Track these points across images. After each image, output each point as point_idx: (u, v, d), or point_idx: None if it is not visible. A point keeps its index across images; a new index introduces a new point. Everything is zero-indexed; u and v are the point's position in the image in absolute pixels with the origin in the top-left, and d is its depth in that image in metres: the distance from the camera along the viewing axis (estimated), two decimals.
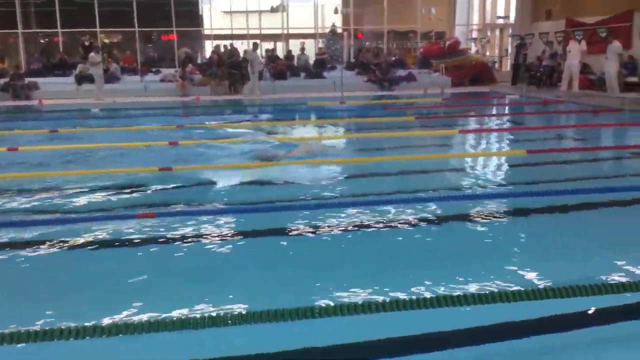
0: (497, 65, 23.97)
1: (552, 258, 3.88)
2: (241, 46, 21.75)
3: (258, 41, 20.55)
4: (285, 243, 4.23)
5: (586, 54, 15.79)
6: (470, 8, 27.04)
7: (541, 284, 3.30)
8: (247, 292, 3.31)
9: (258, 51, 19.17)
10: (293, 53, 21.78)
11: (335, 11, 25.33)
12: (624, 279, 3.33)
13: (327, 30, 24.64)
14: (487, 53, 25.13)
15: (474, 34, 26.87)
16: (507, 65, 23.64)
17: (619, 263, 3.63)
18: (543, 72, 17.95)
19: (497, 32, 26.18)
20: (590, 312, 2.90)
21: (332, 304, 2.85)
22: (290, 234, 4.37)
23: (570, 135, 9.28)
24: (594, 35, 17.12)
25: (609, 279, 3.35)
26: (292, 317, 2.56)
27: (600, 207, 4.91)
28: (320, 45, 23.56)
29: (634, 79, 15.04)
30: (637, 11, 15.75)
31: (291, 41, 24.62)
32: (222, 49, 20.90)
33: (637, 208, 5.00)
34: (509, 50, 23.63)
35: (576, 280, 2.92)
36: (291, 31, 24.92)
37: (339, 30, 24.89)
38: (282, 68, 19.65)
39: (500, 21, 25.24)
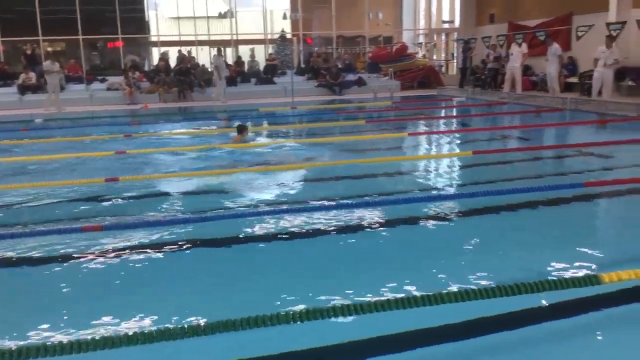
0: (444, 69, 24.50)
1: (500, 256, 3.98)
2: (189, 52, 21.49)
3: (222, 47, 20.47)
4: (238, 251, 4.19)
5: (527, 57, 16.33)
6: (417, 13, 27.55)
7: (488, 283, 3.37)
8: (200, 302, 3.27)
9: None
10: (243, 59, 21.67)
11: (284, 17, 25.33)
12: (570, 274, 3.45)
13: (277, 36, 24.64)
14: (434, 57, 25.64)
15: (421, 39, 27.37)
16: (454, 68, 24.20)
17: (564, 258, 3.75)
18: (488, 74, 18.47)
19: (443, 36, 26.77)
20: (540, 307, 3.01)
21: (284, 311, 2.84)
22: (242, 241, 4.33)
23: (514, 136, 9.57)
24: (535, 38, 17.74)
25: (556, 275, 3.46)
26: (243, 326, 2.54)
27: (543, 205, 5.07)
28: (270, 51, 23.54)
29: (573, 80, 15.66)
30: (575, 14, 16.41)
31: (240, 47, 24.50)
32: (181, 54, 20.59)
33: (579, 205, 5.19)
34: (455, 54, 24.18)
35: (524, 277, 3.00)
36: (240, 37, 24.80)
37: (289, 36, 24.91)
38: (232, 74, 19.51)
39: (446, 25, 25.81)
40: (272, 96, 17.95)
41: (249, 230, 4.55)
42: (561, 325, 2.88)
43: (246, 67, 21.28)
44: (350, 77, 20.31)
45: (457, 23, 24.07)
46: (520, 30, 18.52)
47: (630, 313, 3.01)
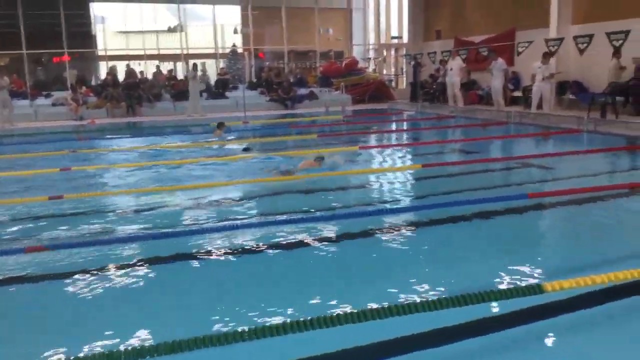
0: (394, 83, 24.94)
1: (447, 268, 4.04)
2: (138, 67, 21.16)
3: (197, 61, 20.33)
4: (187, 268, 4.12)
5: (465, 71, 16.80)
6: (366, 28, 28.01)
7: (437, 295, 3.43)
8: (148, 323, 3.19)
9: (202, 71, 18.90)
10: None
11: (235, 31, 25.28)
12: (515, 284, 3.54)
13: (228, 50, 24.56)
14: (384, 71, 26.08)
15: (371, 53, 27.81)
16: (404, 83, 24.67)
17: (510, 268, 3.86)
18: (436, 89, 18.90)
19: (393, 51, 27.26)
20: (495, 316, 3.09)
21: (239, 329, 2.81)
22: (193, 258, 4.26)
23: (462, 149, 9.80)
24: (480, 53, 18.29)
25: (507, 283, 3.55)
26: (190, 347, 2.50)
27: (490, 216, 5.20)
28: (222, 65, 23.43)
29: (518, 94, 16.20)
30: (518, 30, 17.02)
31: (191, 61, 24.29)
32: (129, 68, 20.24)
33: (524, 215, 5.35)
34: (404, 69, 24.66)
35: (476, 287, 3.07)
36: (191, 51, 24.59)
37: (240, 50, 24.87)
38: (182, 89, 19.31)
39: (395, 41, 26.31)
40: (224, 110, 17.86)
41: (199, 247, 4.48)
42: (507, 335, 2.95)
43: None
44: (302, 91, 20.43)
45: (405, 38, 24.58)
46: (466, 46, 19.07)
47: (572, 321, 3.10)
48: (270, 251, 4.39)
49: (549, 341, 2.94)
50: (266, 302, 3.39)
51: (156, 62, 23.69)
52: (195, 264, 4.17)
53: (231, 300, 3.49)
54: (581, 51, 14.04)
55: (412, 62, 20.25)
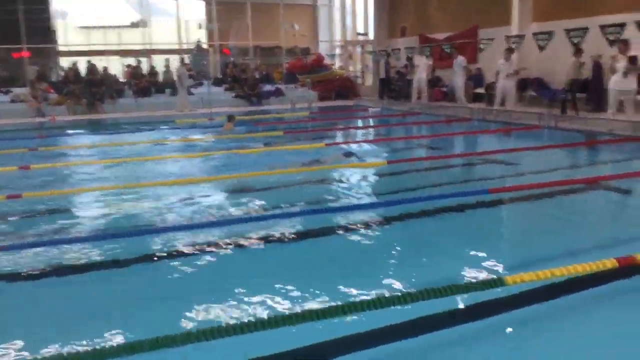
0: (360, 80, 25.02)
1: (411, 263, 4.09)
2: (100, 63, 20.72)
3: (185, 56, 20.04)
4: (148, 269, 4.05)
5: (431, 68, 17.00)
6: (332, 25, 28.03)
7: (401, 289, 3.46)
8: (105, 324, 3.13)
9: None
10: (157, 69, 21.18)
11: (200, 27, 25.01)
12: (477, 277, 3.60)
13: (192, 46, 24.27)
14: (350, 68, 26.15)
15: (337, 50, 27.84)
16: (370, 79, 24.78)
17: (472, 262, 3.92)
18: (401, 85, 19.04)
19: (359, 48, 27.35)
20: (458, 310, 3.13)
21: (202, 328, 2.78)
22: (154, 259, 4.20)
23: (426, 145, 9.90)
24: (445, 51, 18.50)
25: (469, 277, 3.60)
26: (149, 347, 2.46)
27: (453, 211, 5.26)
28: (186, 61, 23.14)
29: (481, 90, 16.44)
30: (481, 27, 17.27)
31: (155, 57, 23.93)
32: (90, 64, 19.78)
33: (485, 210, 5.43)
34: (370, 66, 24.76)
35: (438, 281, 3.10)
36: (154, 47, 24.21)
37: (205, 46, 24.61)
38: (145, 85, 19.00)
39: (361, 38, 26.40)
40: (189, 107, 17.62)
41: (158, 247, 4.42)
42: (468, 328, 2.99)
43: (161, 77, 20.81)
44: (268, 87, 20.33)
45: (371, 35, 24.68)
46: (430, 43, 19.26)
47: (532, 313, 3.16)
48: (224, 250, 4.34)
49: (510, 333, 2.99)
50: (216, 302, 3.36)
51: (118, 58, 23.24)
52: (167, 262, 4.11)
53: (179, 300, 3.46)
54: (541, 48, 14.32)
55: (384, 59, 20.32)
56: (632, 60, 10.35)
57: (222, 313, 3.20)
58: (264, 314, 3.12)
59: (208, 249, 4.32)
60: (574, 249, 4.23)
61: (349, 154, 8.80)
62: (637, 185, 6.19)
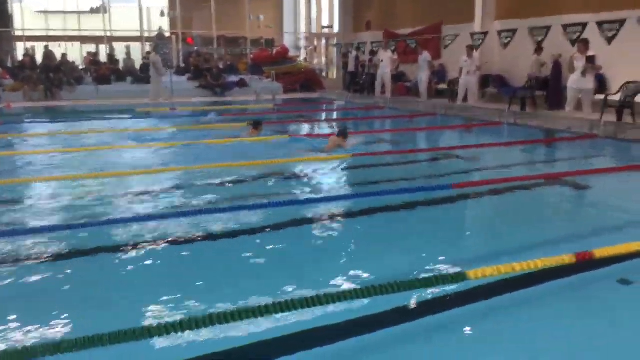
0: (325, 73, 25.03)
1: (374, 257, 4.09)
2: (58, 49, 20.14)
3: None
4: (108, 261, 3.95)
5: (396, 62, 17.14)
6: (297, 17, 27.92)
7: (362, 284, 3.44)
8: (73, 316, 3.04)
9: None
10: (117, 57, 20.73)
11: (162, 14, 24.54)
12: (439, 272, 3.63)
13: (154, 34, 23.82)
14: (315, 61, 26.12)
15: (302, 42, 27.76)
16: (334, 72, 24.81)
17: (435, 257, 3.94)
18: (366, 79, 19.11)
19: (324, 40, 27.34)
20: (419, 304, 3.14)
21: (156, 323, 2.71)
22: (115, 251, 4.08)
23: (391, 139, 9.96)
24: (409, 46, 18.64)
25: (432, 272, 3.63)
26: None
27: (416, 206, 5.30)
28: (148, 49, 22.70)
29: (443, 86, 16.65)
30: (445, 24, 17.46)
31: (115, 44, 23.38)
32: (47, 50, 19.18)
33: (448, 205, 5.50)
34: (335, 59, 24.79)
35: (396, 276, 3.11)
36: (115, 34, 23.66)
37: (167, 34, 24.18)
38: (105, 73, 18.56)
39: (326, 31, 26.39)
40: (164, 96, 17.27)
41: (114, 238, 4.30)
42: (430, 321, 3.01)
43: (121, 65, 20.36)
44: (232, 78, 20.12)
45: (336, 28, 24.69)
46: (395, 38, 19.38)
47: (492, 307, 3.21)
48: (177, 245, 4.25)
49: (471, 325, 3.03)
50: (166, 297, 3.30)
51: (77, 44, 22.66)
52: (119, 255, 4.01)
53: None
54: (505, 45, 14.53)
55: (353, 53, 20.31)
56: (590, 59, 10.62)
57: (163, 310, 3.12)
58: (207, 310, 3.04)
59: (161, 243, 4.22)
60: (534, 243, 4.30)
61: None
62: (593, 181, 6.35)
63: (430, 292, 3.23)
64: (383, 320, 2.95)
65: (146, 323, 2.83)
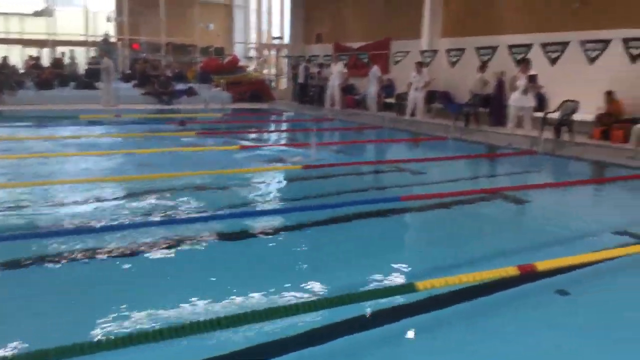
0: (274, 84, 25.07)
1: (324, 270, 4.12)
2: None
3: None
4: (46, 273, 3.83)
5: (346, 76, 17.40)
6: (248, 27, 27.90)
7: (313, 296, 3.49)
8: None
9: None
10: (62, 61, 20.15)
11: (109, 20, 24.02)
12: (389, 284, 3.71)
13: (100, 39, 23.28)
14: (265, 71, 26.14)
15: (252, 53, 27.75)
16: (284, 83, 24.90)
17: (385, 269, 4.02)
18: (315, 91, 19.29)
19: (274, 51, 27.41)
20: (361, 316, 3.18)
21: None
22: (51, 262, 3.96)
23: (341, 151, 10.07)
24: (360, 60, 18.96)
25: (382, 284, 3.70)
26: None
27: (366, 218, 5.39)
28: (93, 54, 22.16)
29: (391, 100, 16.99)
30: (393, 39, 17.86)
31: (59, 48, 22.68)
32: None
33: (397, 218, 5.62)
34: (285, 70, 24.90)
35: (346, 289, 3.17)
36: (59, 37, 22.97)
37: (113, 40, 23.68)
38: (48, 77, 17.99)
39: (276, 42, 26.47)
40: (94, 102, 16.85)
41: (55, 250, 4.18)
42: (379, 333, 3.08)
43: (65, 69, 19.80)
44: (181, 86, 19.88)
45: (286, 40, 24.81)
46: (345, 51, 19.65)
47: (441, 318, 3.31)
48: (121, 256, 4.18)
49: (420, 336, 3.12)
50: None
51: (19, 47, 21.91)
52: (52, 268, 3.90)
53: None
54: (453, 64, 14.81)
55: (303, 64, 20.43)
56: (531, 79, 11.08)
57: (110, 323, 3.08)
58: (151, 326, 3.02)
59: (99, 254, 4.14)
60: (480, 256, 4.46)
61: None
62: (533, 196, 6.63)
63: (381, 303, 3.29)
64: (333, 332, 2.99)
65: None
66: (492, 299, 3.54)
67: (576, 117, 11.41)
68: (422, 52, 15.93)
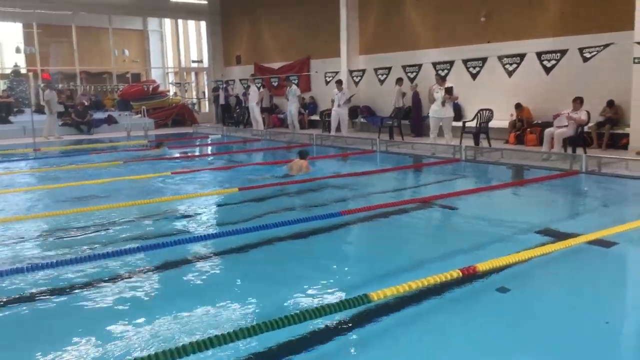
0: (197, 107, 24.87)
1: (271, 289, 4.18)
2: None
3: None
4: None
5: (262, 95, 17.56)
6: (164, 51, 27.55)
7: (265, 316, 3.54)
8: None
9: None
10: None
11: (18, 51, 23.03)
12: (343, 297, 3.85)
13: (9, 71, 22.27)
14: (186, 95, 25.88)
15: (171, 77, 27.41)
16: (207, 106, 24.75)
17: (334, 283, 4.19)
18: (240, 113, 19.35)
19: (194, 75, 27.21)
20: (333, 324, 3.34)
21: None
22: None
23: (274, 171, 10.14)
24: (281, 80, 19.21)
25: (336, 297, 3.84)
26: None
27: (309, 235, 5.51)
28: (3, 87, 21.16)
29: (316, 117, 17.32)
30: (313, 58, 18.23)
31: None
32: None
33: (341, 232, 5.78)
34: (206, 93, 24.78)
35: (296, 306, 3.24)
36: None
37: (23, 71, 22.72)
38: None
39: (195, 65, 26.30)
40: (9, 137, 16.11)
41: None
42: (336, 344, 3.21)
43: None
44: (99, 115, 19.35)
45: (206, 63, 24.71)
46: (265, 72, 19.85)
47: (390, 324, 3.48)
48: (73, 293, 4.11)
49: (375, 342, 3.27)
50: None
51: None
52: None
53: None
54: (381, 82, 15.08)
55: (222, 87, 20.44)
56: (448, 90, 11.68)
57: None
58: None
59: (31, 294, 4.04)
60: (422, 261, 4.71)
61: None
62: (460, 202, 7.00)
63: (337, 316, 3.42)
64: (295, 346, 3.10)
65: None
66: (438, 301, 3.77)
67: (492, 124, 12.13)
68: (351, 72, 15.93)
